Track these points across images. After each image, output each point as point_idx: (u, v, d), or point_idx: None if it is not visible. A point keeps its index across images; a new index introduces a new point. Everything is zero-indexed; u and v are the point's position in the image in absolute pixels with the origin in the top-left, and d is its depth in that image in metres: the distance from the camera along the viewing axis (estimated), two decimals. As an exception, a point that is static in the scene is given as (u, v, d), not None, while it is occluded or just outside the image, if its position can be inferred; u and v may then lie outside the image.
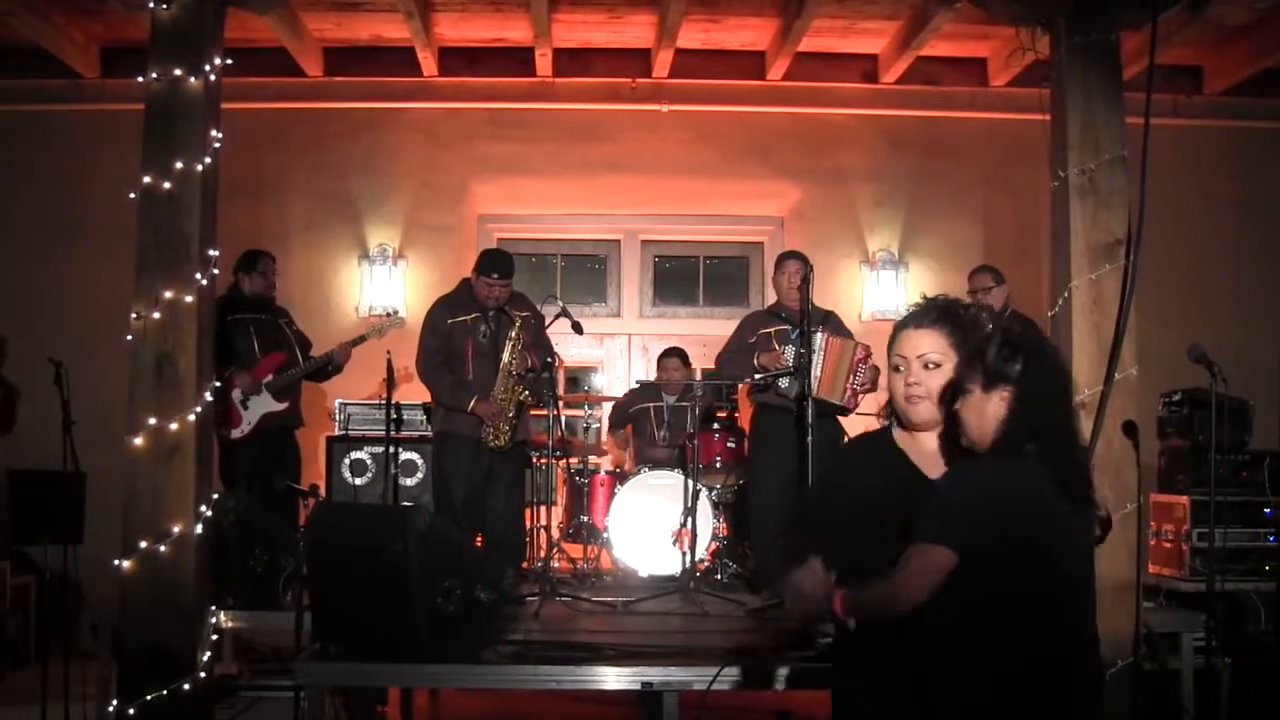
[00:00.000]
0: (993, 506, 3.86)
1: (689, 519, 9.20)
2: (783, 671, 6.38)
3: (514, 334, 9.17)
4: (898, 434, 4.36)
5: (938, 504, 3.91)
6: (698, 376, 11.26)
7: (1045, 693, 3.86)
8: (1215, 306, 11.91)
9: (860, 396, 8.98)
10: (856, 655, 4.23)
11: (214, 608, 7.58)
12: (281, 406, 9.73)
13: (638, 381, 11.66)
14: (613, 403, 11.64)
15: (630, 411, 11.15)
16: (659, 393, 11.06)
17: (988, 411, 3.97)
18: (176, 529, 7.06)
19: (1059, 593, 3.91)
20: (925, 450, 4.28)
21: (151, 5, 7.35)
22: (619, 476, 10.37)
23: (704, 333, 12.70)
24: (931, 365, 4.19)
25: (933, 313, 4.29)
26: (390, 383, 9.56)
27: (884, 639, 4.01)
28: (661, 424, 10.94)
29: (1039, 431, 3.91)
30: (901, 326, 4.33)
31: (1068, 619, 3.95)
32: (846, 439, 9.18)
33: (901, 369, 4.24)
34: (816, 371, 8.65)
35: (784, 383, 9.07)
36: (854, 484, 4.31)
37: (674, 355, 11.16)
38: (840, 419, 9.20)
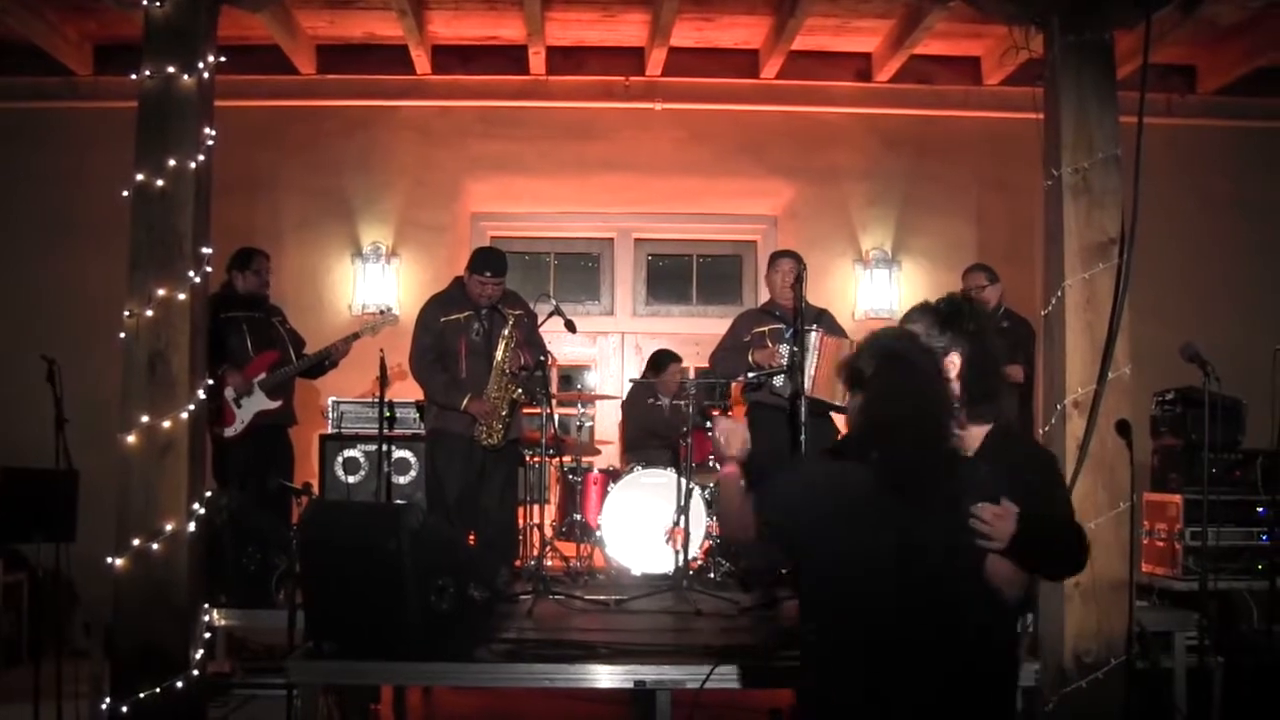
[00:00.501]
0: (800, 498, 4.18)
1: (682, 517, 9.19)
2: (775, 670, 6.39)
3: (507, 332, 9.16)
4: None
5: (780, 476, 4.29)
6: (690, 375, 11.26)
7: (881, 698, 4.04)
8: (1208, 305, 11.94)
9: None
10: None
11: (207, 606, 7.56)
12: (274, 405, 9.73)
13: (631, 380, 11.65)
14: (621, 417, 11.62)
15: (635, 414, 11.16)
16: (655, 395, 11.07)
17: (852, 410, 4.22)
18: (169, 527, 7.04)
19: (888, 590, 4.04)
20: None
21: (145, 3, 7.32)
22: (612, 475, 10.38)
23: (697, 331, 12.70)
24: None
25: (919, 309, 4.53)
26: (383, 381, 9.55)
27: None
28: (660, 424, 10.93)
29: (878, 433, 4.07)
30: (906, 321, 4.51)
31: (901, 618, 4.04)
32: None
33: None
34: (811, 371, 8.64)
35: (778, 381, 9.08)
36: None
37: (675, 360, 11.18)
38: (834, 416, 9.20)
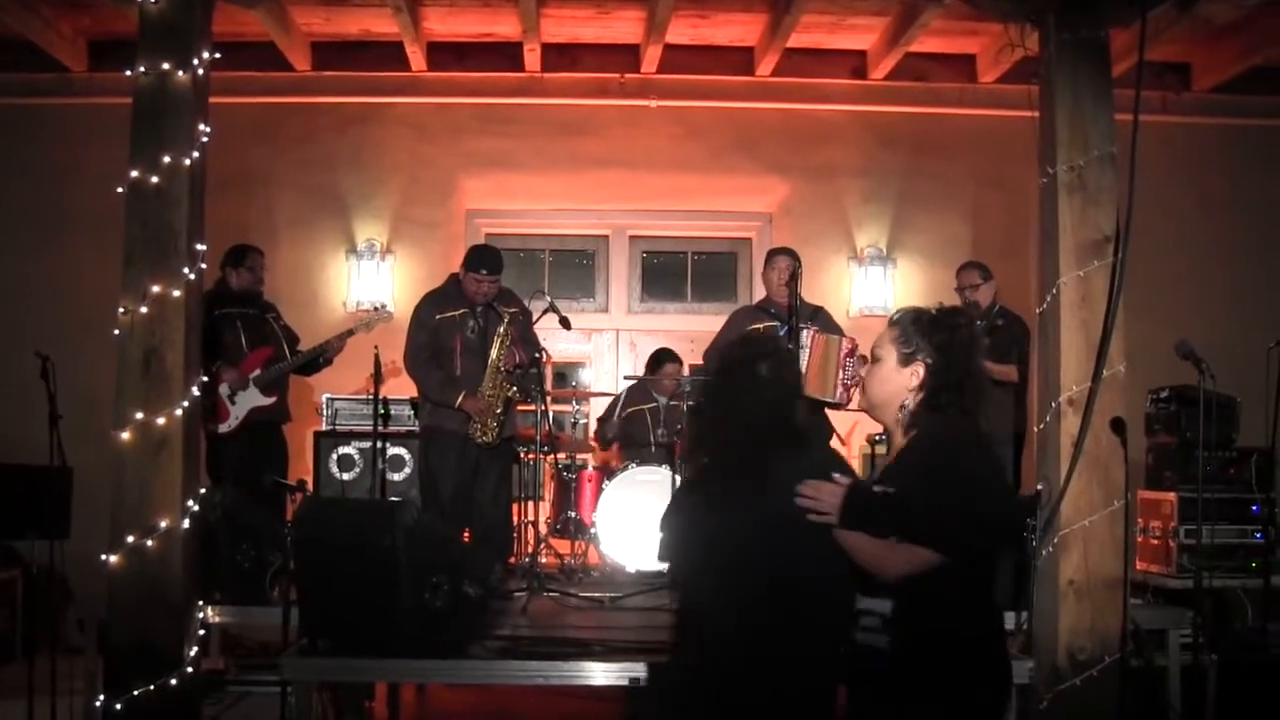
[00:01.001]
0: (673, 539, 4.52)
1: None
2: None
3: (502, 330, 9.17)
4: None
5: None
6: (685, 373, 11.25)
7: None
8: (1203, 303, 11.95)
9: (853, 390, 8.99)
10: None
11: (201, 603, 7.56)
12: (269, 401, 9.73)
13: (626, 377, 11.63)
14: (605, 412, 11.57)
15: (624, 416, 11.12)
16: (650, 394, 11.06)
17: None
18: (163, 524, 7.03)
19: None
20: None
21: (139, -1, 7.34)
22: (607, 472, 10.37)
23: (692, 328, 12.70)
24: (874, 358, 4.42)
25: (903, 312, 4.49)
26: (378, 378, 9.55)
27: None
28: (658, 424, 10.90)
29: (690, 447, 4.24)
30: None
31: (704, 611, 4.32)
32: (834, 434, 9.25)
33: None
34: (803, 370, 8.64)
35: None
36: None
37: (673, 360, 11.16)
38: (830, 413, 9.21)
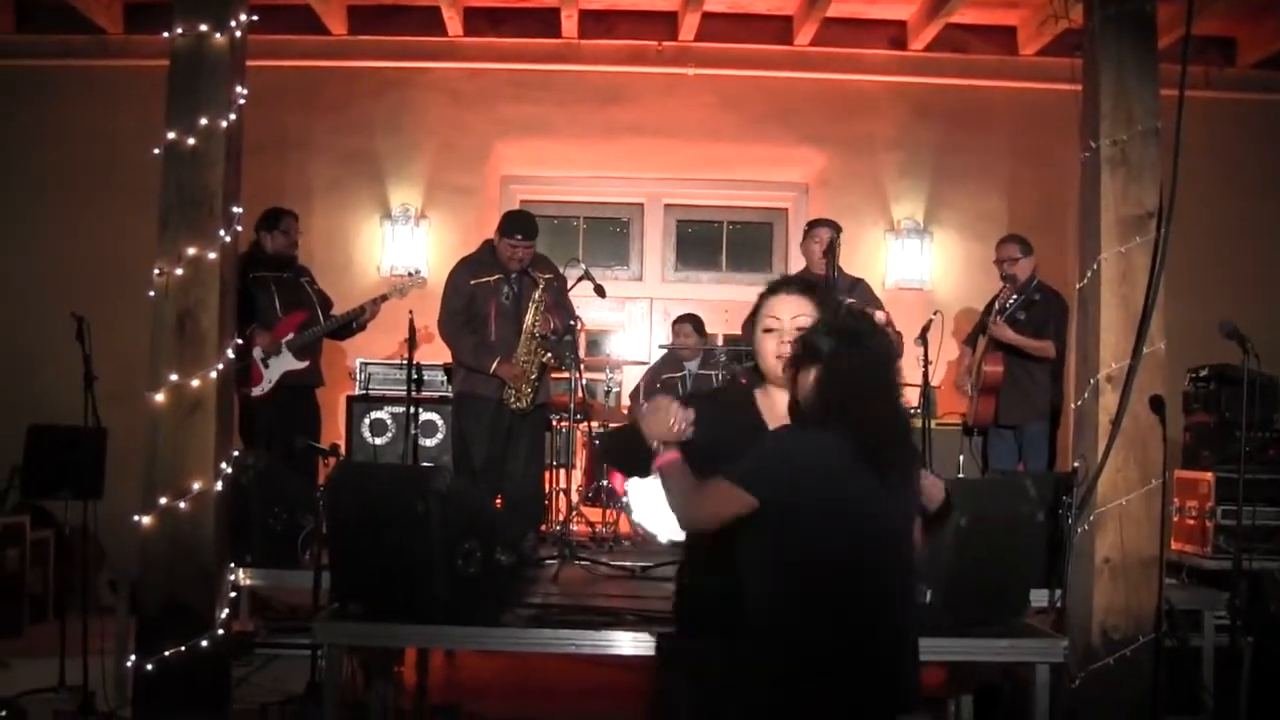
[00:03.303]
0: (791, 470, 4.18)
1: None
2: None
3: (537, 297, 9.14)
4: (759, 393, 4.73)
5: (754, 455, 4.24)
6: (719, 342, 11.21)
7: (847, 655, 4.16)
8: (1242, 283, 11.85)
9: None
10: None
11: (232, 565, 7.58)
12: (302, 365, 9.73)
13: (661, 346, 11.60)
14: (640, 380, 11.54)
15: (657, 387, 11.09)
16: (680, 363, 11.03)
17: (806, 384, 4.30)
18: (196, 486, 7.04)
19: (860, 553, 4.20)
20: (777, 410, 4.59)
21: (177, -41, 7.31)
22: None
23: (726, 298, 12.67)
24: (802, 328, 4.47)
25: (796, 283, 4.75)
26: (412, 343, 9.54)
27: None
28: (686, 392, 10.87)
29: (841, 408, 4.19)
30: (771, 293, 4.70)
31: (868, 579, 4.22)
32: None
33: (774, 329, 4.58)
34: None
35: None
36: (705, 426, 4.53)
37: (686, 321, 11.13)
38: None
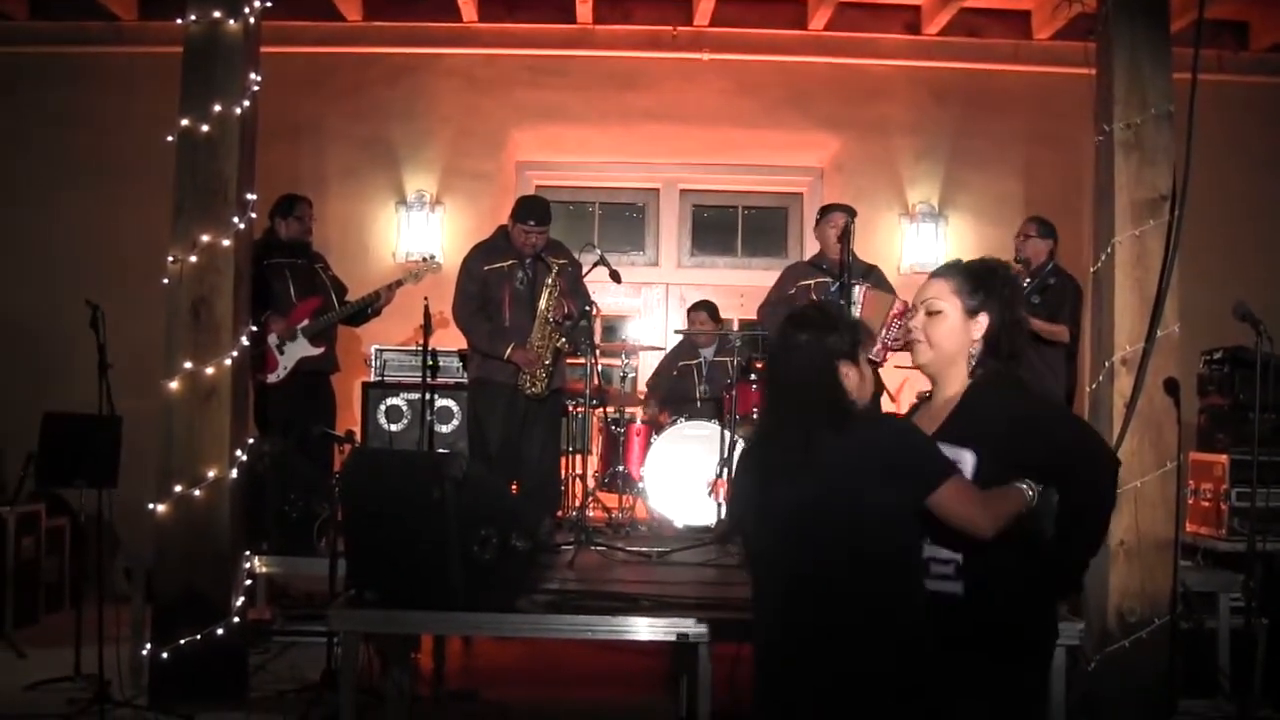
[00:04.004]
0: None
1: (725, 470, 9.16)
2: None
3: (551, 281, 9.13)
4: None
5: (923, 452, 4.12)
6: (735, 328, 11.20)
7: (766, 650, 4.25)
8: (1256, 266, 11.83)
9: (890, 351, 8.96)
10: None
11: (248, 553, 7.60)
12: (317, 351, 9.73)
13: (677, 331, 11.60)
14: (656, 367, 11.55)
15: (674, 373, 11.10)
16: (695, 349, 11.03)
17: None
18: (211, 473, 7.07)
19: (765, 545, 4.27)
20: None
21: (190, -54, 7.32)
22: (655, 426, 10.35)
23: (742, 283, 12.66)
24: (934, 311, 4.34)
25: (950, 266, 4.50)
26: (427, 329, 9.53)
27: None
28: (701, 379, 10.88)
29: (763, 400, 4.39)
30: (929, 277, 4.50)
31: (779, 572, 4.21)
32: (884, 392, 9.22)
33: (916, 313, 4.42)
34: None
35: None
36: None
37: (702, 309, 11.13)
38: (879, 371, 9.15)
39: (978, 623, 4.10)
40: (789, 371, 4.28)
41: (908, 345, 4.51)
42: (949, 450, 4.12)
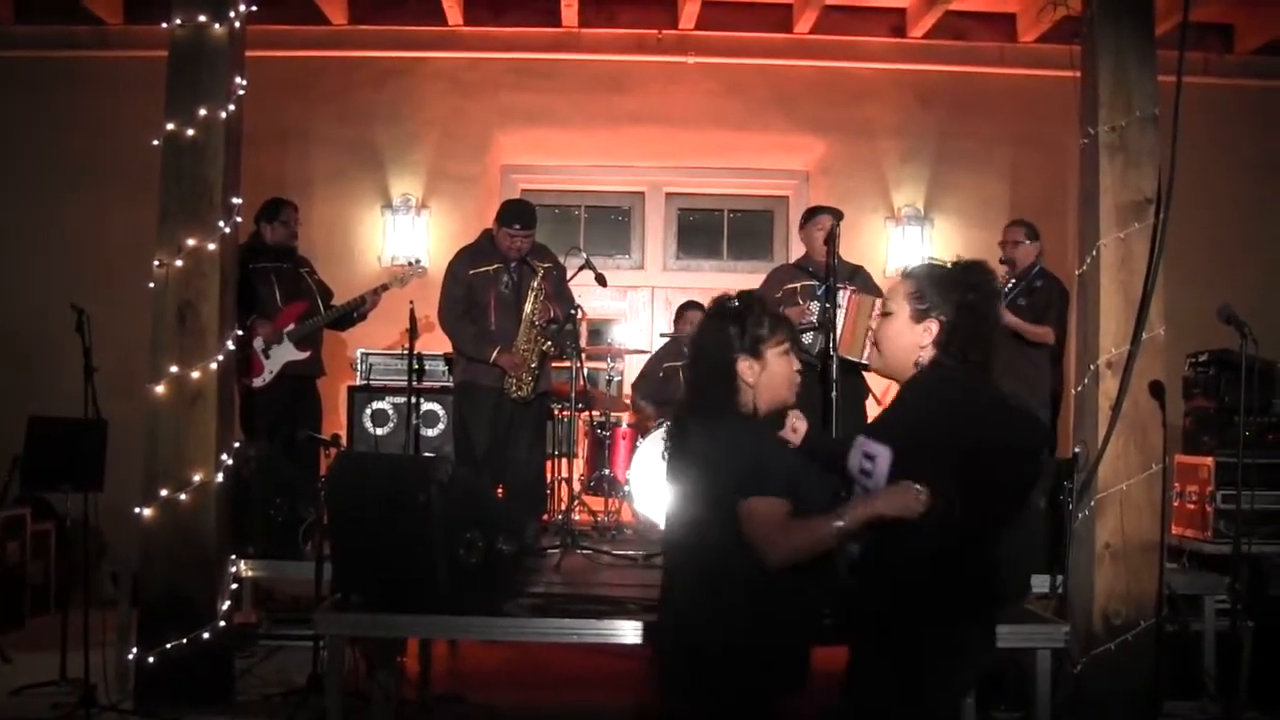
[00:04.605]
0: None
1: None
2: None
3: (536, 285, 9.12)
4: None
5: (754, 463, 4.25)
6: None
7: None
8: (1241, 268, 11.86)
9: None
10: None
11: (234, 556, 7.59)
12: (303, 355, 9.72)
13: (663, 334, 11.60)
14: (641, 369, 11.53)
15: (660, 375, 11.08)
16: (681, 350, 11.02)
17: None
18: (197, 477, 7.07)
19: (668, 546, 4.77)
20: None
21: (176, -50, 7.32)
22: (641, 429, 10.35)
23: (727, 286, 12.59)
24: (886, 313, 4.39)
25: (914, 268, 4.53)
26: (412, 333, 9.52)
27: None
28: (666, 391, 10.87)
29: None
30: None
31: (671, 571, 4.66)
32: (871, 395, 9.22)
33: None
34: (838, 330, 8.60)
35: (808, 338, 9.01)
36: None
37: (694, 308, 11.12)
38: (865, 375, 9.16)
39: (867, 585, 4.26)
40: (692, 358, 4.57)
41: None
42: (869, 445, 4.18)
